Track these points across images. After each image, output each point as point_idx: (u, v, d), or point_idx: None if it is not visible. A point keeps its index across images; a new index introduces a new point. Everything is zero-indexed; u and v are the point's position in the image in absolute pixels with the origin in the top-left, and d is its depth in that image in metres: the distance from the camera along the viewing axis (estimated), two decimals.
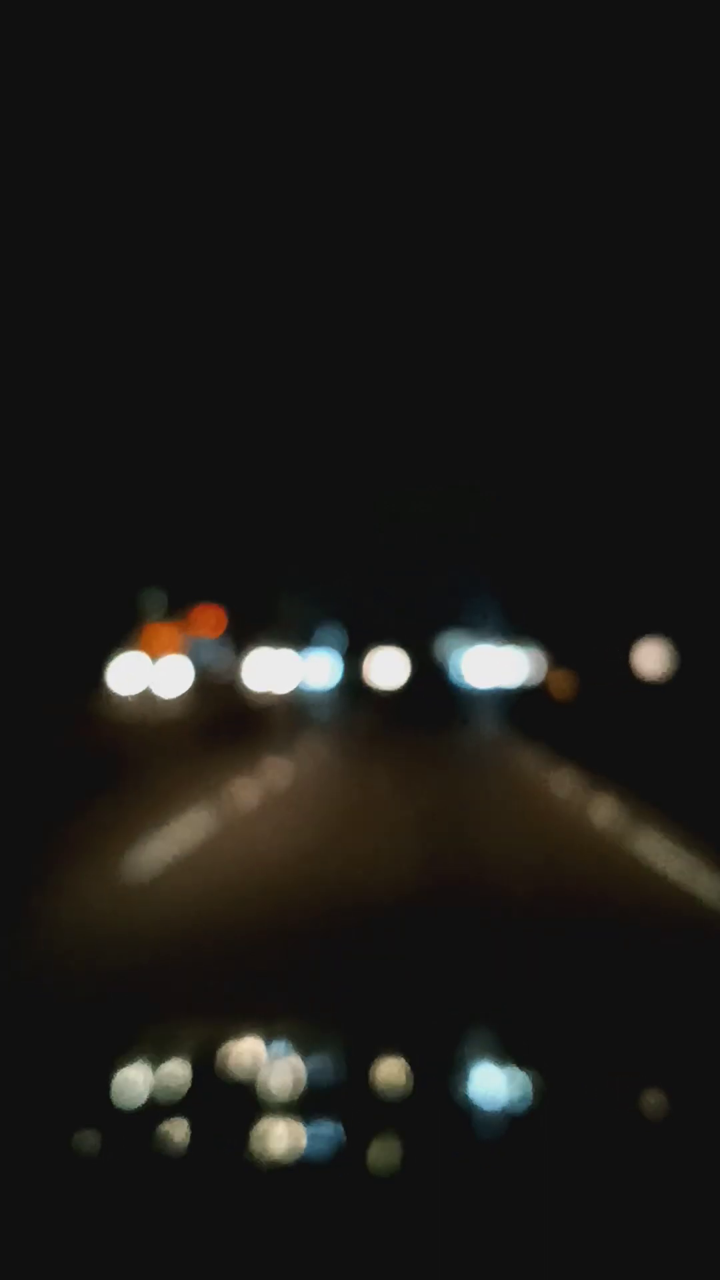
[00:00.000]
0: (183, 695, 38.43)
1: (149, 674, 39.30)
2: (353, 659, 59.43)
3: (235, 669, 48.57)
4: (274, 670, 49.32)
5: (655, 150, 42.34)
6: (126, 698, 35.40)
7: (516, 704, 37.21)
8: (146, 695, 36.83)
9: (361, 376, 67.67)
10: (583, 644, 44.20)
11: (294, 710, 36.04)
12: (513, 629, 55.81)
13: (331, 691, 51.28)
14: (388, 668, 58.40)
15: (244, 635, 50.41)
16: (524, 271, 52.63)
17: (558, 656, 47.79)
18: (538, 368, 51.22)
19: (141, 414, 40.59)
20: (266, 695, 43.74)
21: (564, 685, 41.78)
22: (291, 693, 46.88)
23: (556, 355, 49.03)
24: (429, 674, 55.88)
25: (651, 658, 39.81)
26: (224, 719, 28.49)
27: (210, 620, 48.85)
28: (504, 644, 56.51)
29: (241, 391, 54.20)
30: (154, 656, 40.84)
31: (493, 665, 55.46)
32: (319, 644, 58.61)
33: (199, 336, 52.12)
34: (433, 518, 56.30)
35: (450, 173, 55.54)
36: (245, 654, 49.86)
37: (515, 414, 53.89)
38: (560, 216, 50.02)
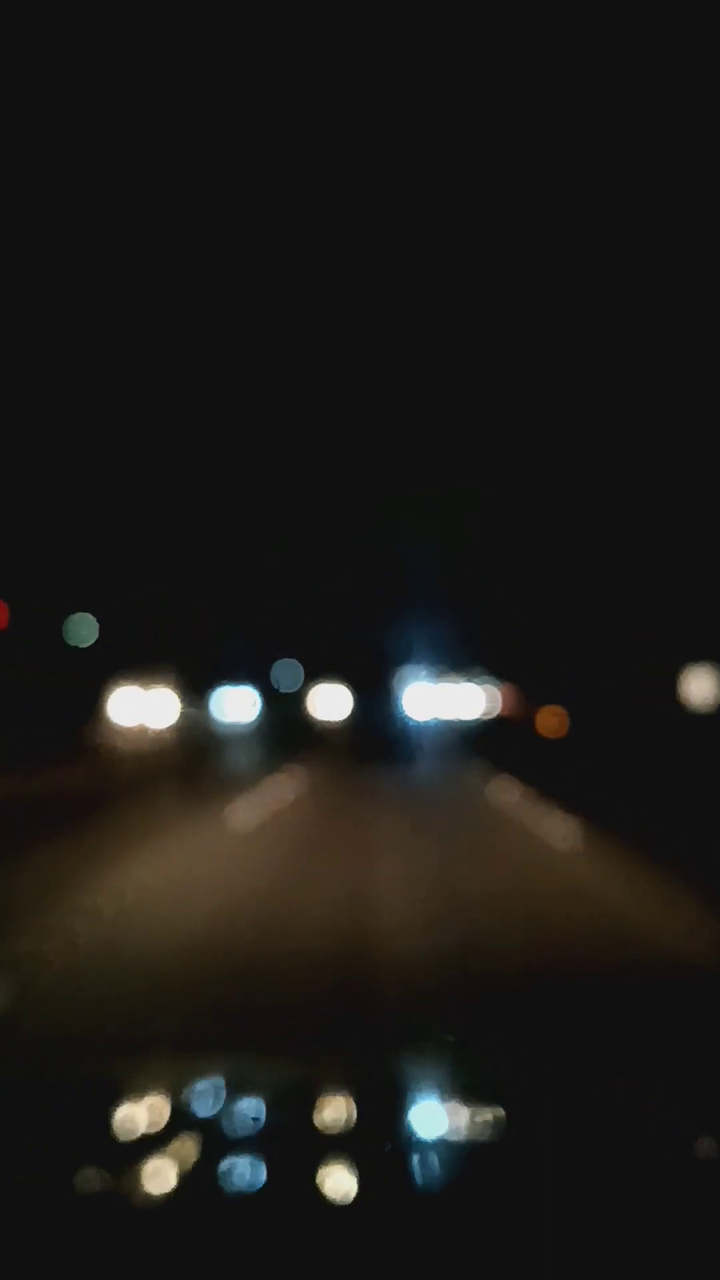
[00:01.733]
0: None
1: None
2: (299, 694, 56.04)
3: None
4: (148, 702, 37.00)
5: (655, 152, 40.00)
6: None
7: (494, 743, 32.15)
8: None
9: (360, 377, 63.87)
10: (583, 673, 39.44)
11: (180, 755, 25.75)
12: (472, 664, 53.47)
13: (253, 728, 42.49)
14: (332, 703, 53.53)
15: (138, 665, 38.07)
16: (524, 273, 50.63)
17: (535, 691, 43.80)
18: (539, 368, 49.21)
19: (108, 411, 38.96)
20: (137, 731, 32.58)
21: (553, 721, 38.31)
22: (178, 728, 35.37)
23: (558, 355, 46.70)
24: (382, 711, 49.74)
25: (702, 686, 33.15)
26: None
27: None
28: (461, 679, 53.94)
29: (233, 394, 53.67)
30: None
31: (453, 701, 52.31)
32: (275, 676, 55.70)
33: (197, 337, 50.91)
34: (432, 518, 53.59)
35: (449, 172, 52.52)
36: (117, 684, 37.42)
37: (515, 414, 51.31)
38: (559, 218, 47.03)
